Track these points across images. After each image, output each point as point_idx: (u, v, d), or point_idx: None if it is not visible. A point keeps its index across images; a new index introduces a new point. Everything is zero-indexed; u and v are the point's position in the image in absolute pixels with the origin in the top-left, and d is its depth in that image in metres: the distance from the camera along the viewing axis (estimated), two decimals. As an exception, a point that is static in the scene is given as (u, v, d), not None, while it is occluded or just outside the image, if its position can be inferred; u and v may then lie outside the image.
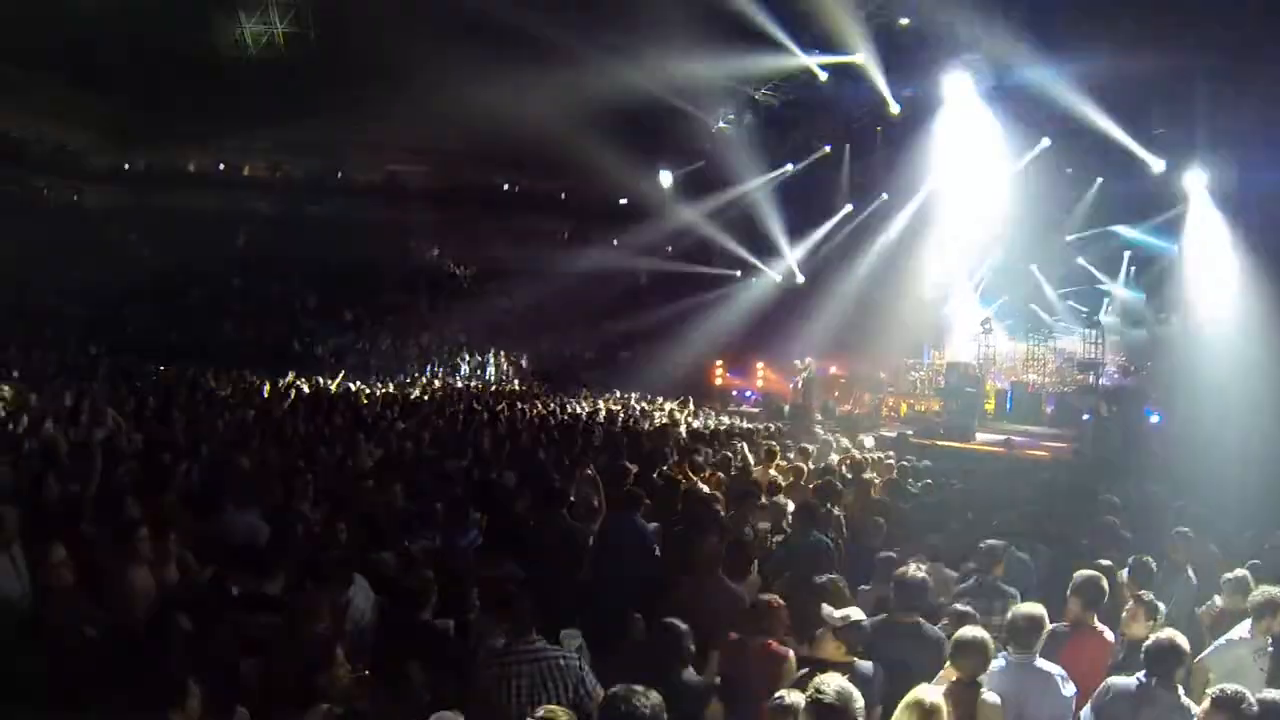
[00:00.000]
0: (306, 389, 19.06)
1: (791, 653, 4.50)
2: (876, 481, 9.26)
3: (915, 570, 5.21)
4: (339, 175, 41.67)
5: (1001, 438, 16.56)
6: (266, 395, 17.20)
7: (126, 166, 41.50)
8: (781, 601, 4.79)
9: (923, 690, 3.65)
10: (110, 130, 39.87)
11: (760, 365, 26.98)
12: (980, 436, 17.38)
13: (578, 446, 11.36)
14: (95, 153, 40.49)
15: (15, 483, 7.11)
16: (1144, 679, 4.23)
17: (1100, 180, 20.81)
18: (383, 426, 12.19)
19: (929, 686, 3.77)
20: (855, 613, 4.50)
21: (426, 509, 7.27)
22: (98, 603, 4.97)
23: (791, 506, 7.67)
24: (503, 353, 32.09)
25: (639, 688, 3.21)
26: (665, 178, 30.67)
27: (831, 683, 3.27)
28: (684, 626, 4.34)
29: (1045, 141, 20.34)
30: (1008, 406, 20.21)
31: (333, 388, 20.25)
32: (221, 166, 42.17)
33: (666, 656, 4.22)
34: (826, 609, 4.49)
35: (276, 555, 5.42)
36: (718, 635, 4.75)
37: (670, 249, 34.43)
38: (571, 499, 7.61)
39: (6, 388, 14.56)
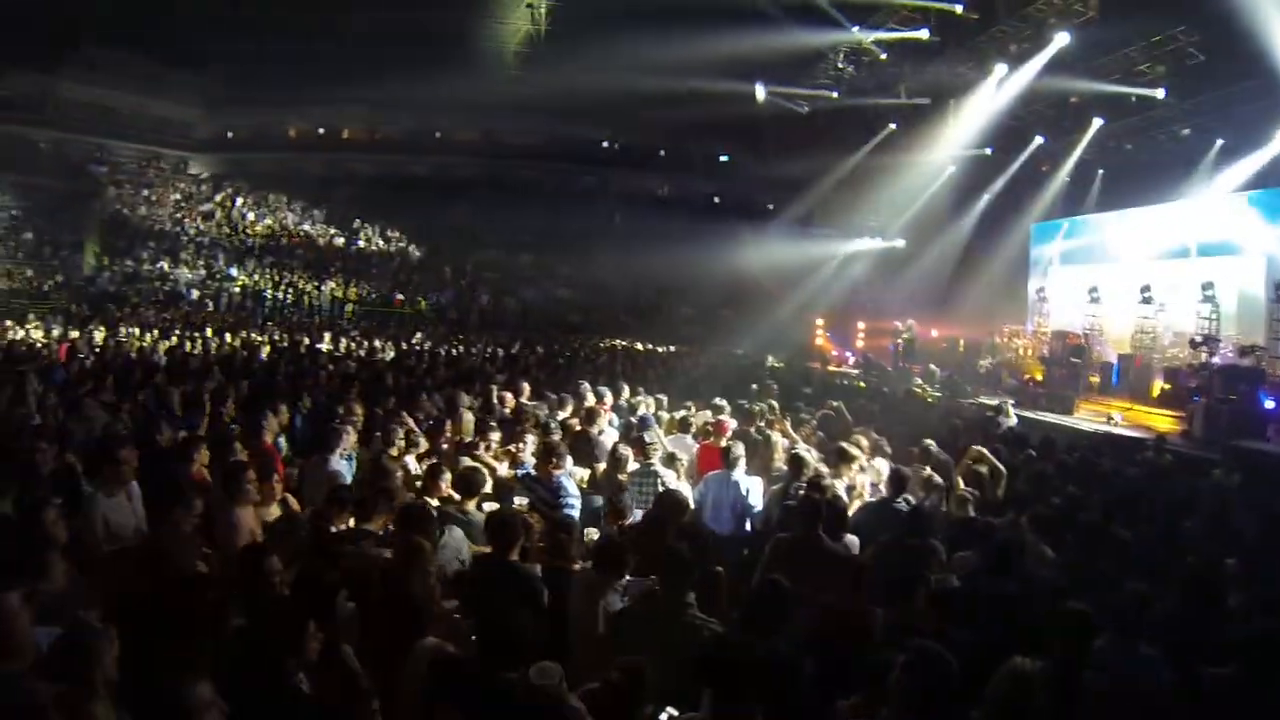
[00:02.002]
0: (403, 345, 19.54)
1: (880, 614, 4.43)
2: (975, 450, 8.94)
3: (1010, 539, 5.11)
4: (436, 135, 42.26)
5: (1105, 413, 15.85)
6: (367, 350, 17.71)
7: (230, 135, 43.44)
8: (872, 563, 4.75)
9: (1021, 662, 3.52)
10: (212, 101, 42.18)
11: (861, 326, 26.73)
12: (1082, 410, 16.63)
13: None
14: (199, 123, 42.99)
15: (132, 427, 7.46)
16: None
17: (1220, 142, 19.67)
18: (481, 378, 12.37)
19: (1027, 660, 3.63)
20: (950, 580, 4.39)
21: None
22: (207, 540, 5.20)
23: (887, 469, 7.47)
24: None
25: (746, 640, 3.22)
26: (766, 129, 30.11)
27: (925, 648, 3.28)
28: (786, 584, 4.31)
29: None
30: (1113, 380, 19.17)
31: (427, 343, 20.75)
32: (321, 130, 43.42)
33: (768, 613, 4.18)
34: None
35: (373, 499, 5.52)
36: (812, 593, 4.70)
37: (770, 207, 34.08)
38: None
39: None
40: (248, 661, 3.50)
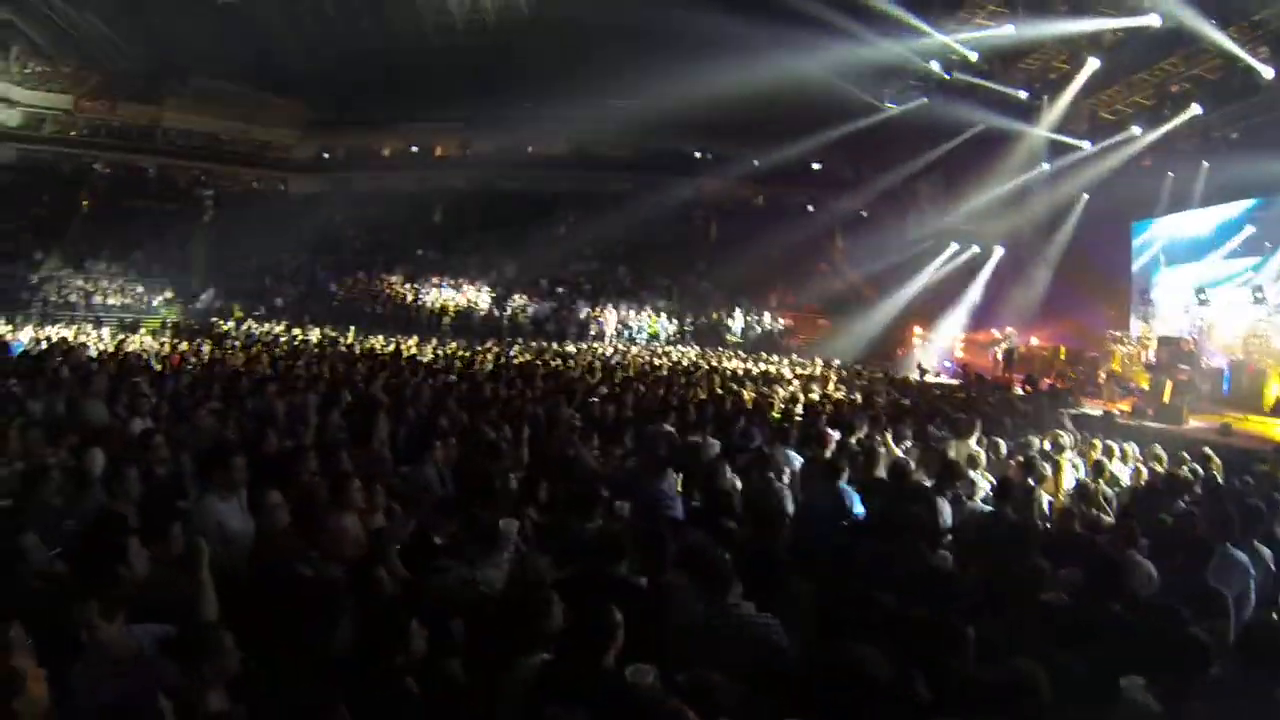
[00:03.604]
0: (499, 355, 19.85)
1: (971, 631, 4.24)
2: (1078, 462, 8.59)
3: (1114, 556, 4.94)
4: (528, 150, 43.01)
5: (1217, 423, 14.94)
6: (466, 361, 18.04)
7: (326, 155, 45.42)
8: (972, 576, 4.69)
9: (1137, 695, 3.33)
10: (308, 124, 44.61)
11: (959, 336, 26.22)
12: (1192, 422, 15.69)
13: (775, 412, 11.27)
14: (296, 146, 45.27)
15: (240, 436, 7.71)
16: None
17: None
18: (583, 390, 12.43)
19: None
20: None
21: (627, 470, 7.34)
22: (311, 545, 5.29)
23: (987, 483, 7.23)
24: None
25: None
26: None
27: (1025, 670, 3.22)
28: (882, 597, 4.29)
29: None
30: (1224, 388, 18.09)
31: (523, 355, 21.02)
32: (414, 148, 44.71)
33: (860, 626, 4.10)
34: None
35: (475, 510, 5.55)
36: (915, 606, 4.55)
37: (865, 214, 33.67)
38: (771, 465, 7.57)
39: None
40: (358, 661, 3.55)
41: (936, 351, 26.53)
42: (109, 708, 3.14)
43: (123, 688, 3.25)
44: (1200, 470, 9.13)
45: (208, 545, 5.03)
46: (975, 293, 27.62)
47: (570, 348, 24.94)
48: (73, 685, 3.28)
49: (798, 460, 8.41)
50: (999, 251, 27.78)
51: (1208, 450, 9.85)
